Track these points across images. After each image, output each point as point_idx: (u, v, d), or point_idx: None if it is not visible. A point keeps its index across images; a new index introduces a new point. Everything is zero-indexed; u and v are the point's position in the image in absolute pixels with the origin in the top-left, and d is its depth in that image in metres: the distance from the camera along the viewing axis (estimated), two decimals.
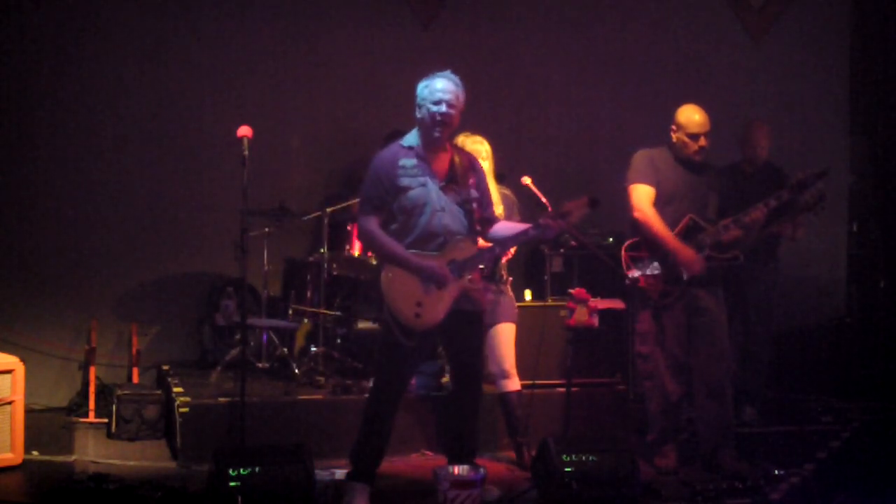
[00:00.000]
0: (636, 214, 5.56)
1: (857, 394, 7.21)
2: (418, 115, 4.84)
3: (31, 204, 6.90)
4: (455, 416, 5.09)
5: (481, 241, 4.98)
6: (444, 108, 4.76)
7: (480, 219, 4.93)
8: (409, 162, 4.81)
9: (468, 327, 4.93)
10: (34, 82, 6.88)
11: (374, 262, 5.99)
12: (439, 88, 4.78)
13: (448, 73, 4.85)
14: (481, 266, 4.95)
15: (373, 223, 4.80)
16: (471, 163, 4.99)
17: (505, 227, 5.04)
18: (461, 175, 4.88)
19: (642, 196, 5.57)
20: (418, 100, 4.83)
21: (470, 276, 4.83)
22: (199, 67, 7.16)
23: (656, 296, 5.56)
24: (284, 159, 7.26)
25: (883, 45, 8.28)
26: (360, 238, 5.07)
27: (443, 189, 4.83)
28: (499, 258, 5.57)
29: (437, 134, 4.80)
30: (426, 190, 4.79)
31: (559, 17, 7.83)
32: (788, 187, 5.55)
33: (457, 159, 4.91)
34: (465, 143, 5.65)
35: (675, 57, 7.97)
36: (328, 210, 6.50)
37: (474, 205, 4.89)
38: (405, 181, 4.78)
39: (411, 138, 4.89)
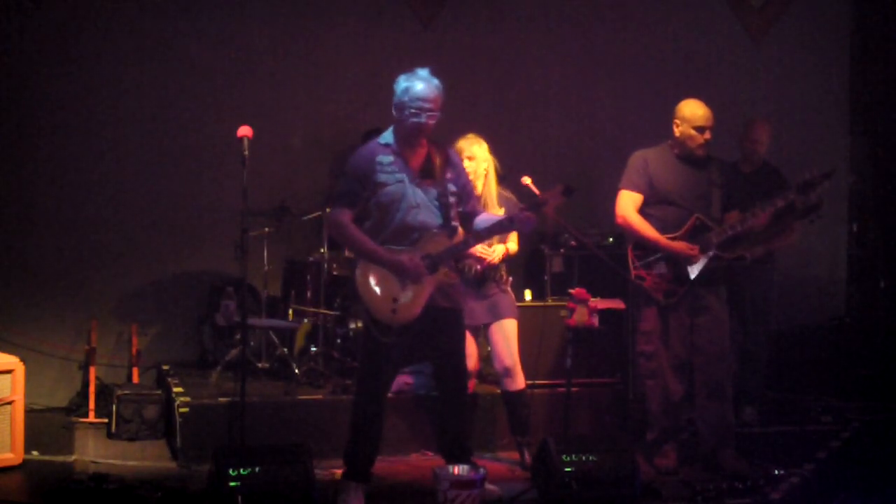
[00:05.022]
0: (618, 220, 5.63)
1: (857, 394, 7.19)
2: (395, 114, 4.83)
3: (31, 204, 6.90)
4: (443, 417, 5.07)
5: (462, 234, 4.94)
6: (423, 118, 4.75)
7: (462, 213, 4.92)
8: (386, 159, 4.82)
9: (447, 325, 4.91)
10: (34, 82, 6.88)
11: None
12: (420, 96, 4.74)
13: (427, 73, 4.80)
14: (458, 261, 4.93)
15: (345, 216, 4.80)
16: (448, 157, 4.98)
17: (483, 219, 4.99)
18: (438, 170, 4.87)
19: (626, 202, 5.61)
20: (396, 99, 4.80)
21: (445, 270, 4.83)
22: (199, 67, 7.15)
23: (660, 296, 5.56)
24: (284, 159, 7.25)
25: (883, 44, 8.27)
26: (331, 230, 5.05)
27: (419, 184, 4.83)
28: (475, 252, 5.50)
29: (413, 140, 4.83)
30: (402, 186, 4.80)
31: (559, 17, 7.83)
32: (795, 187, 5.52)
33: (433, 154, 4.90)
34: (464, 146, 5.63)
35: (675, 57, 7.97)
36: (328, 210, 6.49)
37: (451, 199, 4.86)
38: (382, 177, 4.79)
39: (388, 136, 4.90)
